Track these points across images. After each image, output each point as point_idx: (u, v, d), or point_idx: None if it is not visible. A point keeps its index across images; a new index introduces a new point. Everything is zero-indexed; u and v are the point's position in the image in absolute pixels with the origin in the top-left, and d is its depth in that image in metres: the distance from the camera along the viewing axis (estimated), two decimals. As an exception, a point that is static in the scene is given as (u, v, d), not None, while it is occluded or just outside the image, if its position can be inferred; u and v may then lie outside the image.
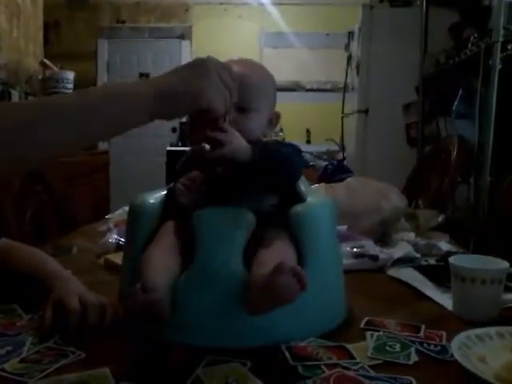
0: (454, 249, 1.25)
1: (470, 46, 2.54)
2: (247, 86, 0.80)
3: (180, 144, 4.99)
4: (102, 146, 5.25)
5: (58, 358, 0.63)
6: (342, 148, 4.20)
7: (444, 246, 1.26)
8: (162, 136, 5.60)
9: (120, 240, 1.21)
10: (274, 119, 0.88)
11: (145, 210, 0.78)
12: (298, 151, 0.85)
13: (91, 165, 3.93)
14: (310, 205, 0.77)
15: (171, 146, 4.99)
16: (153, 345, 0.68)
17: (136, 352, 0.67)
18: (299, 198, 0.79)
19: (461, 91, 2.87)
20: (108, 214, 1.73)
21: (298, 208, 0.75)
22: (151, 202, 0.80)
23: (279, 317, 0.66)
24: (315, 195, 0.83)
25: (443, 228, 1.43)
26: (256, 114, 0.83)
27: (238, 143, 0.72)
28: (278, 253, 0.69)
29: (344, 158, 3.85)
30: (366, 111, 3.56)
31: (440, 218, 1.48)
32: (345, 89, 4.17)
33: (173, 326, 0.68)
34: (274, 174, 0.77)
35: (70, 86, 3.74)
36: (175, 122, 5.53)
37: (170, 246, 0.74)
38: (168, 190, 0.83)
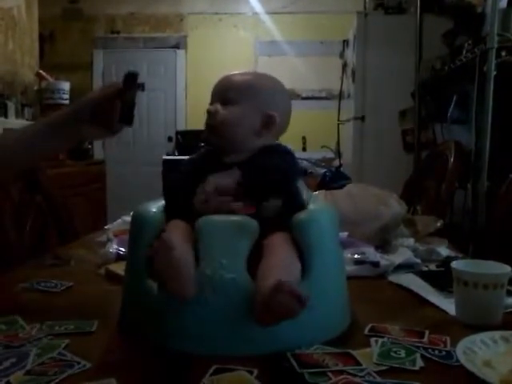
0: (453, 254, 1.25)
1: (464, 52, 2.56)
2: (230, 82, 0.85)
3: (176, 153, 4.99)
4: (98, 155, 5.24)
5: (63, 368, 0.63)
6: (339, 155, 4.21)
7: (443, 251, 1.26)
8: (157, 145, 5.61)
9: (120, 250, 1.21)
10: (269, 122, 0.84)
11: (148, 219, 0.78)
12: (293, 159, 0.87)
13: (87, 175, 3.92)
14: (313, 212, 0.77)
15: (167, 155, 4.98)
16: (158, 354, 0.68)
17: (142, 362, 0.67)
18: (301, 205, 0.79)
19: (456, 97, 2.89)
20: (105, 223, 1.73)
21: (301, 215, 0.75)
22: (154, 211, 0.79)
23: (284, 324, 0.66)
24: (317, 202, 0.83)
25: (441, 233, 1.43)
26: (238, 108, 0.83)
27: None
28: (282, 264, 0.69)
29: (340, 165, 3.86)
30: (363, 118, 3.58)
31: (438, 224, 1.48)
32: (340, 96, 4.19)
33: (179, 335, 0.68)
34: (267, 187, 0.78)
35: (66, 96, 3.74)
36: (171, 131, 5.54)
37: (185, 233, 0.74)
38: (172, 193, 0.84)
